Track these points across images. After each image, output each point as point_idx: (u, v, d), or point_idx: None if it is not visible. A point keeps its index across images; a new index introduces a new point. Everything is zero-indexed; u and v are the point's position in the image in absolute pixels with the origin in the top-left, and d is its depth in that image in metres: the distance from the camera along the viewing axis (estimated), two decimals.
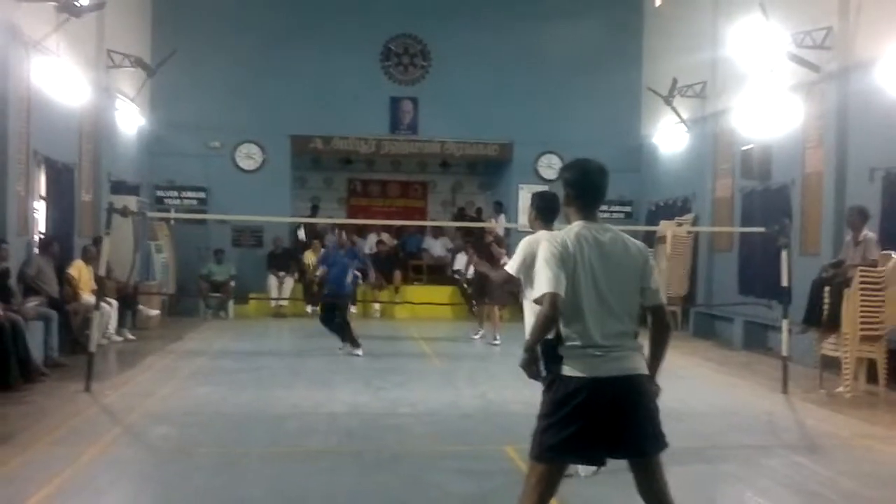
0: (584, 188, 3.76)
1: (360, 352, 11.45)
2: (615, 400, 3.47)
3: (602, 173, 3.79)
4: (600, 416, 3.45)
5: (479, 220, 19.19)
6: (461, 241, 17.67)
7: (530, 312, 5.22)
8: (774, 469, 6.29)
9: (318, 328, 12.24)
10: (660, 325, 3.75)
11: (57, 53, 11.62)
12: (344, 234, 13.84)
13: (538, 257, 3.61)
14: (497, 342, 12.81)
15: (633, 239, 3.72)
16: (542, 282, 3.52)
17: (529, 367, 3.63)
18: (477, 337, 13.49)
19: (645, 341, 3.69)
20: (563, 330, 3.55)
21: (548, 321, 3.50)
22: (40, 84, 11.29)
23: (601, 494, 5.44)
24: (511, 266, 5.68)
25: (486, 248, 13.33)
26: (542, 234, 5.30)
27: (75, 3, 11.11)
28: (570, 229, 3.66)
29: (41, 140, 11.29)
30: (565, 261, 3.53)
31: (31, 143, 11.02)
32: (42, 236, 11.58)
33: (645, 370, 3.62)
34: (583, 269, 3.54)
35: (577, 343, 3.52)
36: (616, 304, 3.57)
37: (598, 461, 3.69)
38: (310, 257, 16.96)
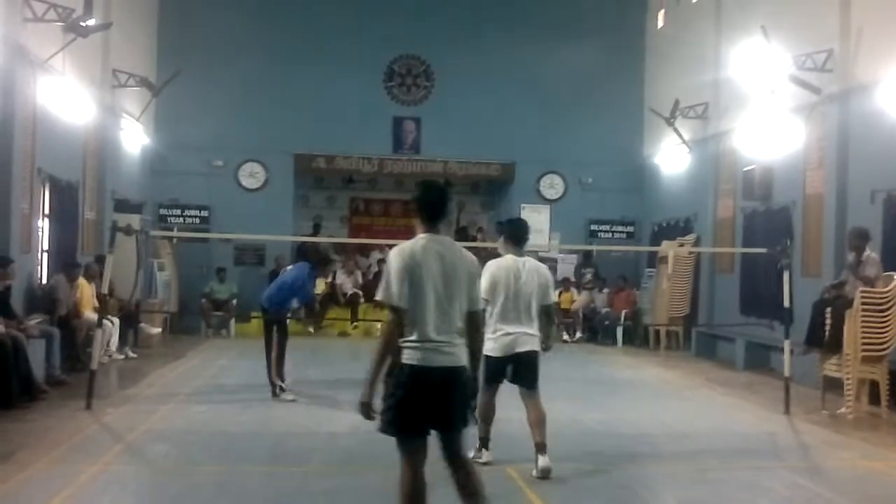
0: (426, 206, 4.46)
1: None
2: (441, 385, 4.23)
3: (443, 194, 4.54)
4: (429, 398, 4.22)
5: (482, 240, 19.20)
6: None
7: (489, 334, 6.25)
8: (776, 490, 6.27)
9: (318, 347, 12.23)
10: (474, 326, 4.49)
11: (63, 73, 11.71)
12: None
13: (391, 267, 4.28)
14: None
15: (466, 251, 4.52)
16: (392, 293, 4.23)
17: (367, 407, 4.31)
18: None
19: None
20: (406, 328, 4.24)
21: (394, 336, 4.24)
22: (46, 103, 11.37)
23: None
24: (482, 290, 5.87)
25: None
26: (508, 259, 6.49)
27: (82, 23, 11.21)
28: (418, 240, 4.36)
29: (46, 158, 11.35)
30: (412, 269, 4.23)
31: (35, 161, 11.08)
32: (66, 259, 11.83)
33: (465, 363, 4.35)
34: (426, 275, 4.25)
35: (416, 338, 4.23)
36: (449, 306, 4.30)
37: (423, 434, 4.31)
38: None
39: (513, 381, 6.54)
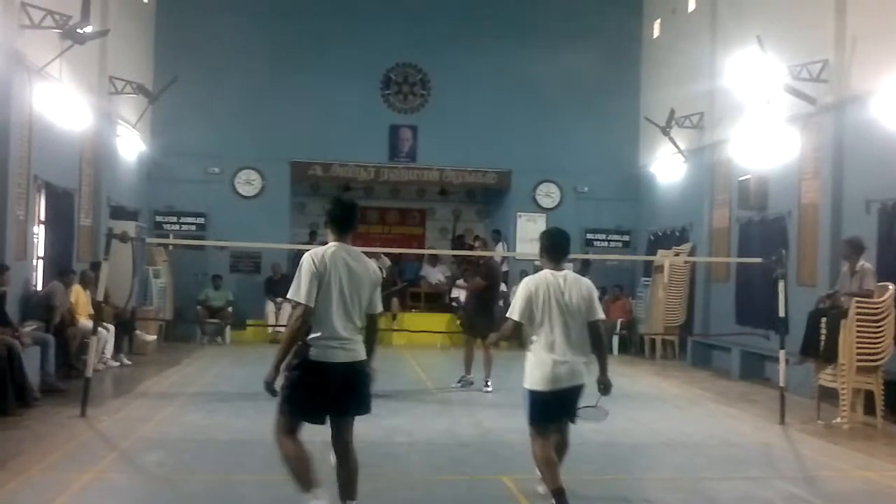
0: (336, 219, 5.06)
1: None
2: (344, 378, 4.85)
3: (351, 209, 5.12)
4: (331, 389, 4.84)
5: (483, 249, 19.18)
6: (458, 269, 17.53)
7: (532, 353, 5.58)
8: (771, 500, 6.27)
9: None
10: (373, 328, 5.15)
11: (59, 79, 11.71)
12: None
13: (302, 270, 4.84)
14: (489, 389, 10.99)
15: (370, 260, 5.08)
16: (301, 293, 4.77)
17: (270, 386, 4.83)
18: (459, 385, 11.38)
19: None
20: (313, 326, 4.80)
21: (300, 330, 4.79)
22: (42, 109, 11.37)
23: None
24: (513, 311, 5.58)
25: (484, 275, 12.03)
26: (545, 274, 5.62)
27: (79, 30, 11.21)
28: (328, 248, 4.94)
29: (42, 165, 11.34)
30: (322, 273, 4.80)
31: (31, 167, 11.07)
32: (62, 266, 11.81)
33: (364, 357, 4.97)
34: (333, 280, 4.82)
35: (322, 335, 4.80)
36: (353, 308, 4.89)
37: (321, 421, 4.94)
38: None
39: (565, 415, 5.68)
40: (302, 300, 4.77)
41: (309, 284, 4.78)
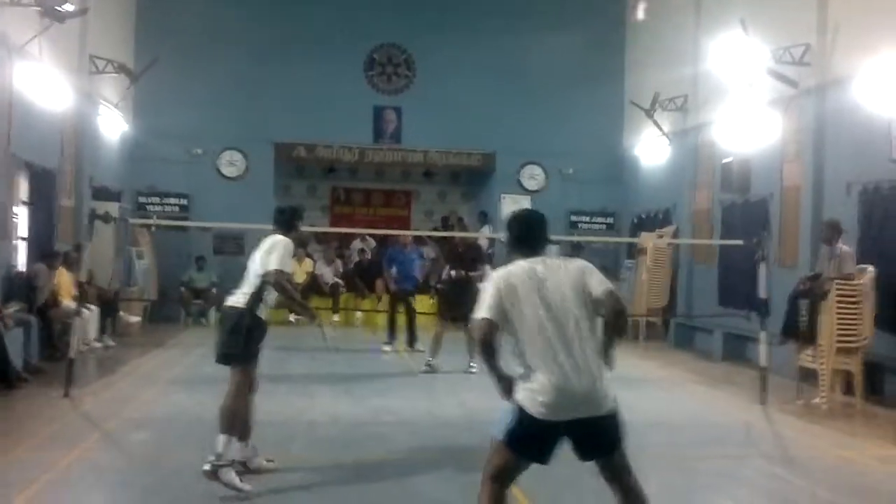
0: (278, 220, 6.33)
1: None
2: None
3: (293, 213, 6.49)
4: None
5: (461, 230, 19.22)
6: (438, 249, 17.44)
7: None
8: (752, 479, 6.37)
9: (296, 336, 12.20)
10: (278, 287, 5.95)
11: (40, 58, 11.59)
12: (409, 238, 14.18)
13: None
14: (474, 370, 10.69)
15: (277, 240, 5.99)
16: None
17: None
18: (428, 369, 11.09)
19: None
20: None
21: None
22: (22, 88, 11.24)
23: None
24: (480, 308, 4.15)
25: (459, 255, 11.84)
26: (517, 264, 4.23)
27: (58, 8, 11.07)
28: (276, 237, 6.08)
29: (22, 144, 11.23)
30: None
31: (11, 147, 10.96)
32: (44, 246, 11.71)
33: (233, 303, 5.92)
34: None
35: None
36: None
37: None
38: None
39: (582, 457, 4.12)
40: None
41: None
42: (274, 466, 6.01)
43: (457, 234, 17.18)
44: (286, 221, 6.30)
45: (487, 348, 4.02)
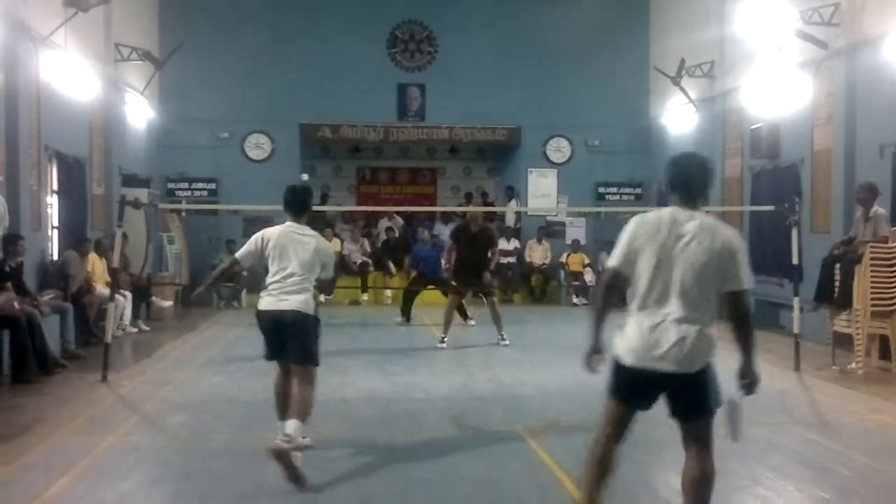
0: (288, 203, 6.08)
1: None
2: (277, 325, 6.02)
3: (302, 193, 6.19)
4: (274, 335, 6.06)
5: (488, 204, 19.19)
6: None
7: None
8: (787, 446, 6.33)
9: (329, 316, 12.23)
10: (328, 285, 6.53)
11: (65, 48, 11.68)
12: (427, 233, 15.91)
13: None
14: (506, 342, 10.93)
15: (321, 237, 6.11)
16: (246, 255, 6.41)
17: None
18: (443, 345, 11.13)
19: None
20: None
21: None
22: (49, 79, 11.36)
23: None
24: (612, 257, 4.10)
25: (471, 237, 11.36)
26: (666, 211, 4.03)
27: None
28: (285, 226, 6.05)
29: (52, 135, 11.37)
30: (275, 244, 6.05)
31: (42, 137, 11.10)
32: (76, 235, 11.87)
33: (302, 308, 5.96)
34: (288, 249, 6.01)
35: (269, 282, 6.03)
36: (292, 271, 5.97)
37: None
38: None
39: (672, 413, 4.08)
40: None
41: (263, 250, 6.23)
42: (309, 443, 6.06)
43: (485, 208, 17.17)
44: (301, 202, 6.01)
45: (603, 299, 4.08)
